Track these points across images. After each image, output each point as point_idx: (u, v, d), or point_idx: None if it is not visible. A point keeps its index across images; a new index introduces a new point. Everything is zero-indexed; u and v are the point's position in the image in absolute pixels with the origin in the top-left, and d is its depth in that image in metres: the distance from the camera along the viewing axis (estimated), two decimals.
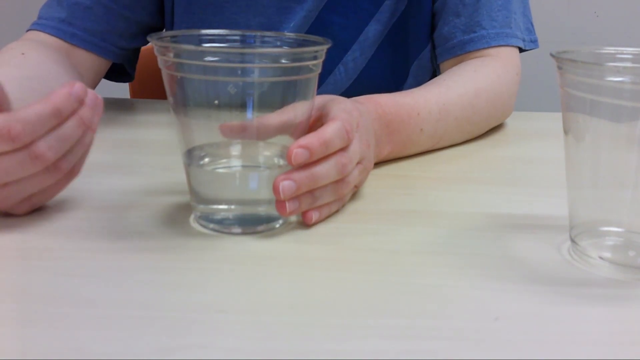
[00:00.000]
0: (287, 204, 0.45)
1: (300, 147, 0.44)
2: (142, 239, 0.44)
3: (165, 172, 0.58)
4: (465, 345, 0.34)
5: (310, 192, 0.46)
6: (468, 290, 0.39)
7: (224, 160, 0.47)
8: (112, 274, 0.40)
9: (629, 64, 0.45)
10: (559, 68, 0.42)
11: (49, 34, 0.75)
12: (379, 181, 0.57)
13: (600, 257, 0.42)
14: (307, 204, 0.46)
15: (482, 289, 0.39)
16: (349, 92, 0.83)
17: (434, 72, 0.85)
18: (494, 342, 0.34)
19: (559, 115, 0.44)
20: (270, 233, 0.46)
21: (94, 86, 0.79)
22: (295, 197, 0.45)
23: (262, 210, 0.47)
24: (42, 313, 0.35)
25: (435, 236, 0.47)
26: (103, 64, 0.79)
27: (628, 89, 0.38)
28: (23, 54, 0.68)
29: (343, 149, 0.47)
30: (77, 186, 0.54)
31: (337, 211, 0.50)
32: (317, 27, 0.80)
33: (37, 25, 0.76)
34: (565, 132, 0.43)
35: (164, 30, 0.86)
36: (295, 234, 0.46)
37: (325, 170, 0.46)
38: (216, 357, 0.32)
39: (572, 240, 0.44)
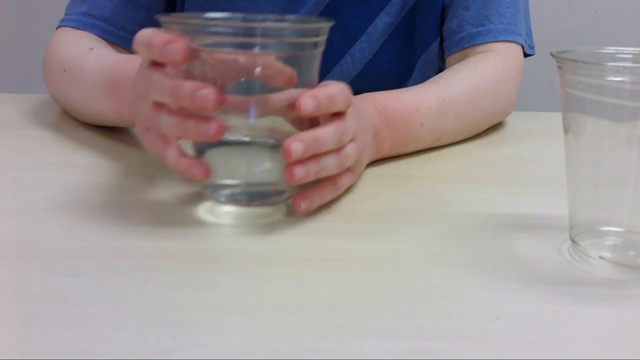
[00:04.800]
0: (295, 170, 0.45)
1: (309, 97, 0.45)
2: (141, 239, 0.44)
3: (164, 171, 0.58)
4: (465, 345, 0.34)
5: (316, 159, 0.47)
6: (468, 290, 0.39)
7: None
8: (112, 274, 0.40)
9: (629, 64, 0.45)
10: (559, 68, 0.42)
11: (72, 27, 0.76)
12: (379, 181, 0.57)
13: (600, 257, 0.42)
14: (313, 171, 0.47)
15: (482, 289, 0.39)
16: (354, 83, 0.83)
17: (439, 70, 0.85)
18: (494, 342, 0.34)
19: (559, 115, 0.44)
20: (270, 233, 0.46)
21: None
22: (303, 164, 0.46)
23: (264, 187, 0.48)
24: (42, 313, 0.35)
25: (435, 236, 0.47)
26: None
27: (628, 89, 0.38)
28: (91, 48, 0.69)
29: (340, 117, 0.48)
30: (76, 186, 0.54)
31: (329, 203, 0.50)
32: (326, 15, 0.81)
33: (62, 22, 0.77)
34: (565, 132, 0.43)
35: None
36: (295, 234, 0.46)
37: (328, 135, 0.47)
38: (216, 357, 0.32)
39: (572, 240, 0.44)
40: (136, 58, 0.59)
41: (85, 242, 0.44)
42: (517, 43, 0.78)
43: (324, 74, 0.83)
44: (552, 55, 0.42)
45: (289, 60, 0.46)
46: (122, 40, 0.76)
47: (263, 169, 0.48)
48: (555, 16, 1.76)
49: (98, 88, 0.62)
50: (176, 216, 0.48)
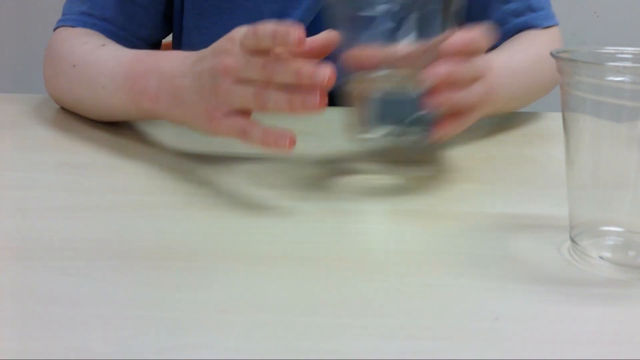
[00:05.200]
0: (436, 96, 0.50)
1: (456, 39, 0.51)
2: (141, 239, 0.44)
3: (165, 172, 0.58)
4: (465, 345, 0.34)
5: (453, 90, 0.51)
6: (468, 290, 0.39)
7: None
8: (112, 274, 0.40)
9: (629, 64, 0.45)
10: (559, 68, 0.42)
11: (72, 27, 0.76)
12: (379, 181, 0.57)
13: (600, 257, 0.42)
14: (451, 100, 0.51)
15: (482, 289, 0.39)
16: None
17: None
18: (494, 342, 0.34)
19: (559, 115, 0.44)
20: (270, 233, 0.46)
21: None
22: (441, 91, 0.51)
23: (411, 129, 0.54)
24: (42, 313, 0.35)
25: (436, 236, 0.47)
26: None
27: (628, 89, 0.38)
28: (103, 44, 0.72)
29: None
30: (76, 185, 0.54)
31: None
32: (325, 14, 0.81)
33: (61, 22, 0.77)
34: (565, 132, 0.43)
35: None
36: (295, 233, 0.46)
37: (464, 68, 0.52)
38: (216, 357, 0.32)
39: (572, 240, 0.44)
40: (157, 53, 0.62)
41: (85, 242, 0.44)
42: (555, 25, 0.84)
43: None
44: (552, 55, 0.42)
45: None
46: (122, 40, 0.76)
47: (412, 114, 0.53)
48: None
49: (114, 80, 0.63)
50: (176, 216, 0.48)
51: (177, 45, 0.87)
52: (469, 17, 0.85)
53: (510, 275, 0.41)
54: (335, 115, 0.76)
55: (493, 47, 0.87)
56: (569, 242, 0.45)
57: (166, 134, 0.69)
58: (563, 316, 0.37)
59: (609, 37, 1.71)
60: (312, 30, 0.82)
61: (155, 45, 0.87)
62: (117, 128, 0.69)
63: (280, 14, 0.81)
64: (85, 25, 0.76)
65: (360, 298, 0.38)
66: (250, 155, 0.63)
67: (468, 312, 0.37)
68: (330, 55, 0.53)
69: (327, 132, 0.72)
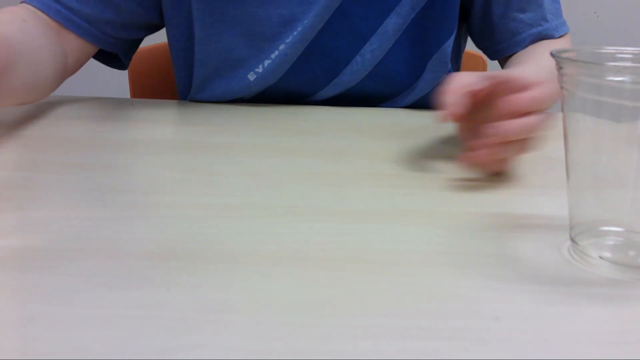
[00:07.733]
0: (476, 154, 0.54)
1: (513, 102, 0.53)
2: (141, 239, 0.44)
3: (165, 172, 0.58)
4: (465, 345, 0.34)
5: (499, 145, 0.54)
6: (468, 290, 0.39)
7: None
8: (112, 274, 0.40)
9: (629, 64, 0.45)
10: (559, 68, 0.42)
11: (37, 8, 0.78)
12: (379, 181, 0.57)
13: (600, 257, 0.42)
14: (495, 153, 0.55)
15: (482, 289, 0.39)
16: (364, 84, 0.85)
17: (448, 70, 0.86)
18: (494, 342, 0.34)
19: (559, 115, 0.44)
20: (270, 233, 0.46)
21: (78, 67, 0.84)
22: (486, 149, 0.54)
23: None
24: (42, 313, 0.35)
25: (435, 236, 0.47)
26: (88, 47, 0.83)
27: (628, 89, 0.38)
28: (24, 20, 0.74)
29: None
30: (76, 185, 0.54)
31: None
32: (337, 17, 0.81)
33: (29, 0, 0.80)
34: (565, 132, 0.43)
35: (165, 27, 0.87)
36: (295, 234, 0.46)
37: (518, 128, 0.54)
38: (216, 357, 0.32)
39: (572, 240, 0.44)
40: None
41: (85, 242, 0.44)
42: (567, 33, 0.87)
43: (335, 75, 0.84)
44: (552, 55, 0.42)
45: None
46: (85, 33, 0.81)
47: None
48: None
49: None
50: (176, 217, 0.48)
51: (190, 53, 0.86)
52: (486, 25, 0.86)
53: (510, 275, 0.41)
54: (336, 115, 0.76)
55: (505, 55, 0.88)
56: (569, 242, 0.45)
57: (166, 134, 0.69)
58: (563, 316, 0.37)
59: (609, 37, 1.71)
60: (321, 37, 0.82)
61: (132, 42, 0.89)
62: (116, 129, 0.69)
63: (289, 20, 0.81)
64: (48, 9, 0.78)
65: (360, 298, 0.38)
66: (250, 155, 0.63)
67: (468, 312, 0.37)
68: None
69: (327, 131, 0.72)
